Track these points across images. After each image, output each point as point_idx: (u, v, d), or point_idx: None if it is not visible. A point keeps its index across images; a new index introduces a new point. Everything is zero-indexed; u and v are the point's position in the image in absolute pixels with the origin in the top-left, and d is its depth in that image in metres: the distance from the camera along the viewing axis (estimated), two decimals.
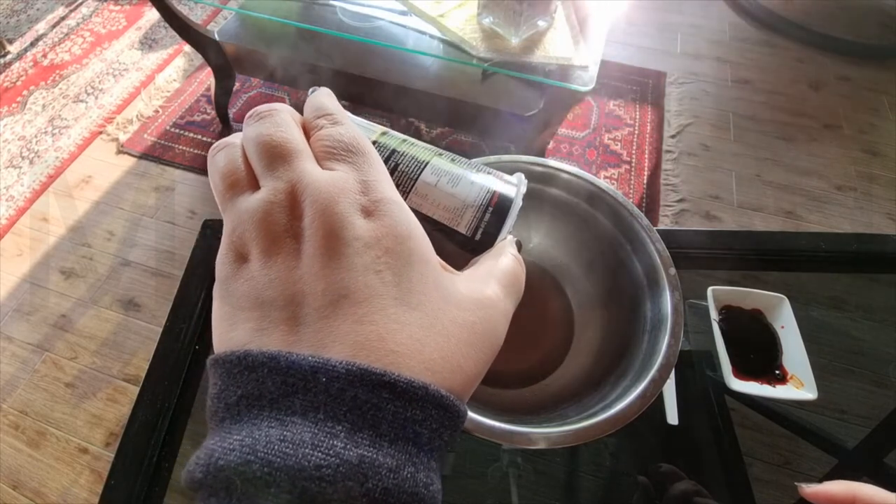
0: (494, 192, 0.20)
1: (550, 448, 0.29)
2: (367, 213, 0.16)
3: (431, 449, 0.14)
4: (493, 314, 0.17)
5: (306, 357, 0.14)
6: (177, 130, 1.48)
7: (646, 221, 0.38)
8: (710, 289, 0.49)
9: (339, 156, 0.17)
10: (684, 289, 0.36)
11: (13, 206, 1.33)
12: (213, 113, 1.45)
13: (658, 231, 0.39)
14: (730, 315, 0.49)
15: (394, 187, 0.18)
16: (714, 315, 0.48)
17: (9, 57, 1.68)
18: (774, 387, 0.45)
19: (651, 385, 0.30)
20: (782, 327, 0.48)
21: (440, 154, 0.21)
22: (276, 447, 0.12)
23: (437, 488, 0.14)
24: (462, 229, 0.19)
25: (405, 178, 0.19)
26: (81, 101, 1.57)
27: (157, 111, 1.53)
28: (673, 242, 0.39)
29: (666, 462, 0.39)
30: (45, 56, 1.69)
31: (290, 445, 0.12)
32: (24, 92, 1.58)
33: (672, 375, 0.33)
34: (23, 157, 1.43)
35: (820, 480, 0.24)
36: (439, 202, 0.19)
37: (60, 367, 1.09)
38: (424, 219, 0.19)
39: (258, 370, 0.14)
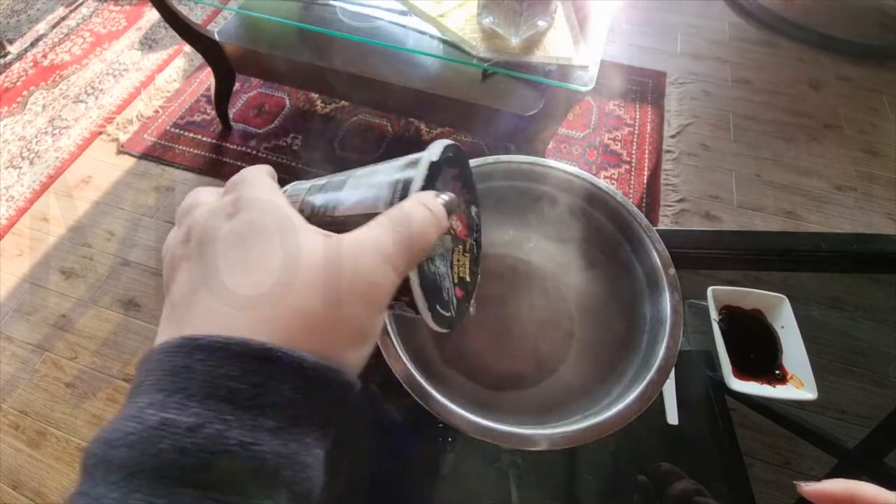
0: (412, 169, 0.21)
1: (551, 449, 0.29)
2: (230, 215, 0.18)
3: (259, 405, 0.14)
4: (354, 250, 0.17)
5: (159, 343, 0.16)
6: (177, 130, 1.48)
7: (645, 222, 0.38)
8: (710, 289, 0.49)
9: (228, 190, 0.20)
10: (684, 289, 0.36)
11: (13, 207, 1.33)
12: (213, 113, 1.45)
13: (658, 231, 0.39)
14: (730, 315, 0.49)
15: (262, 189, 0.19)
16: (714, 315, 0.48)
17: (9, 57, 1.68)
18: (774, 387, 0.45)
19: (649, 387, 0.30)
20: (782, 327, 0.48)
21: (358, 171, 0.23)
22: (115, 424, 0.14)
23: (266, 449, 0.14)
24: (383, 209, 0.20)
25: (326, 204, 0.21)
26: (81, 101, 1.57)
27: (157, 111, 1.53)
28: (673, 242, 0.39)
29: (666, 462, 0.39)
30: (45, 56, 1.69)
31: (120, 420, 0.14)
32: (24, 92, 1.58)
33: (672, 375, 0.33)
34: (23, 158, 1.43)
35: (820, 480, 0.24)
36: (359, 203, 0.21)
37: (60, 367, 1.09)
38: (357, 223, 0.19)
39: (143, 363, 0.16)
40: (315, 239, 0.18)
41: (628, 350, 0.36)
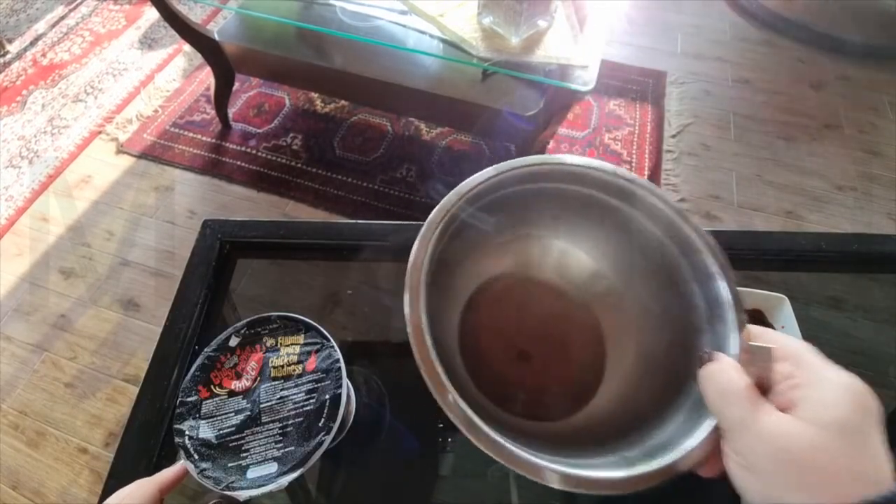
0: None
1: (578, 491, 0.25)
2: None
3: None
4: None
5: None
6: (176, 130, 1.48)
7: (722, 257, 0.33)
8: None
9: None
10: None
11: (13, 206, 1.33)
12: (213, 113, 1.45)
13: None
14: None
15: None
16: None
17: (8, 56, 1.68)
18: None
19: (668, 468, 0.26)
20: (782, 327, 0.48)
21: None
22: None
23: None
24: None
25: None
26: (81, 100, 1.56)
27: (156, 111, 1.53)
28: None
29: None
30: (44, 55, 1.68)
31: None
32: (24, 91, 1.58)
33: None
34: (22, 157, 1.43)
35: None
36: None
37: (60, 367, 1.08)
38: None
39: None
40: None
41: (677, 395, 0.31)
